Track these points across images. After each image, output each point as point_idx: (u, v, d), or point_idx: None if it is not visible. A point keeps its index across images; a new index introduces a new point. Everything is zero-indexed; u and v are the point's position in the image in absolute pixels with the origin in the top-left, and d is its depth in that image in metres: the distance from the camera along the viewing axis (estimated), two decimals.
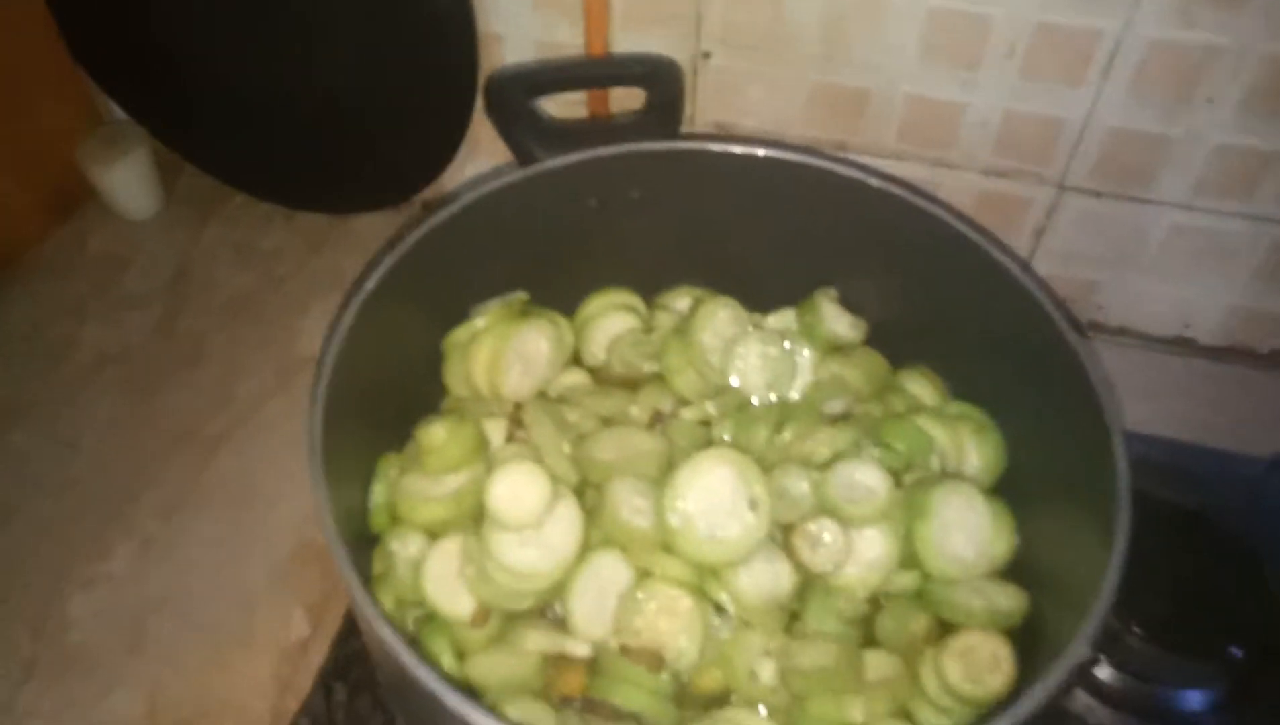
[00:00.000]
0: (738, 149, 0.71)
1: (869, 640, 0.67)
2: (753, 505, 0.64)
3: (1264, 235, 0.92)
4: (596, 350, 0.81)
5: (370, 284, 0.66)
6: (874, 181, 0.70)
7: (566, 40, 0.95)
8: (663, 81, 0.77)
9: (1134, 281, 0.99)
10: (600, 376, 0.80)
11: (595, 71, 0.81)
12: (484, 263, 0.72)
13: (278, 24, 0.96)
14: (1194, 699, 0.77)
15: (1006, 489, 0.72)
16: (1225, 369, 1.01)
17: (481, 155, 1.07)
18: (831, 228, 0.74)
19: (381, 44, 0.94)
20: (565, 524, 0.65)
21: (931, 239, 0.70)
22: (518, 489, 0.64)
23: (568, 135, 0.72)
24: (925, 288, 0.73)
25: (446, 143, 1.02)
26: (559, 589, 0.65)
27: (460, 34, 0.92)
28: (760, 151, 0.71)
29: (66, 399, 0.99)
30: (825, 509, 0.67)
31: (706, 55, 0.93)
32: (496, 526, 0.63)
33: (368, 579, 0.67)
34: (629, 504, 0.65)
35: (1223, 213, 0.91)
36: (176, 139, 1.15)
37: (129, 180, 1.14)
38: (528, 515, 0.63)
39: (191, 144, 1.15)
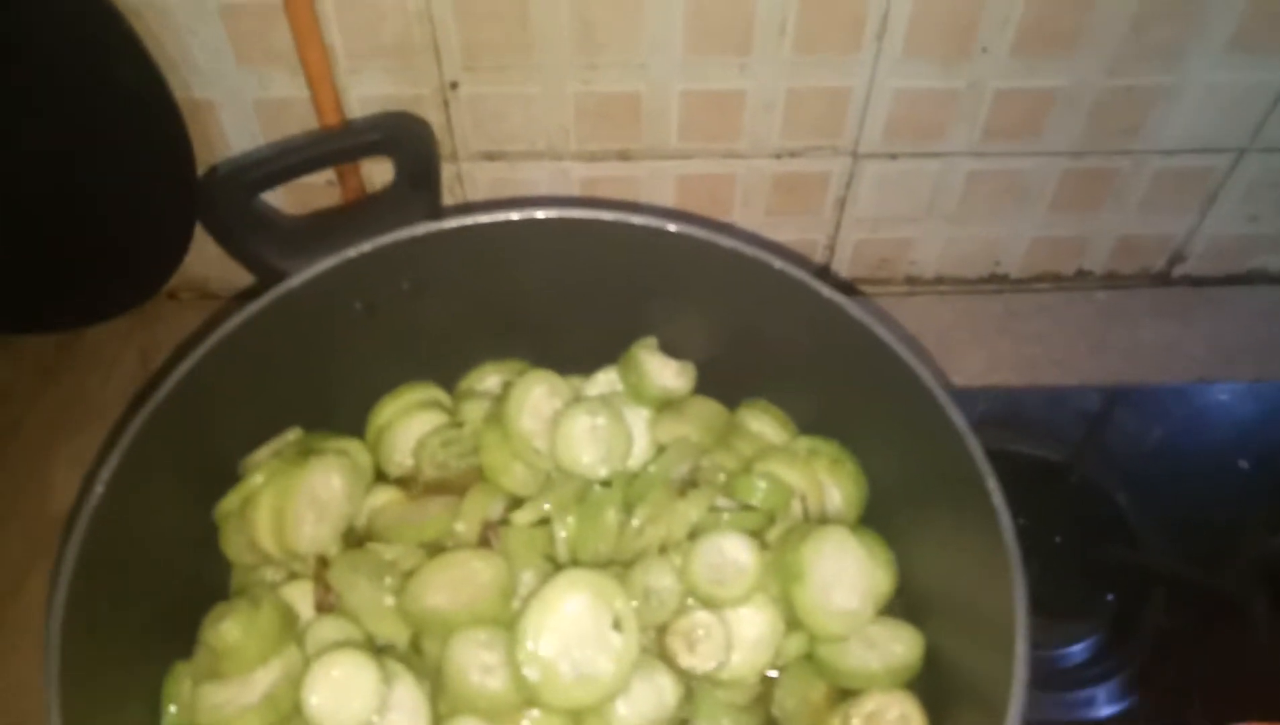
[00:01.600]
0: (515, 216, 0.62)
1: (767, 722, 0.62)
2: (617, 624, 0.57)
3: (1053, 168, 0.91)
4: (401, 458, 0.70)
5: (105, 473, 0.53)
6: (671, 227, 0.62)
7: (289, 93, 0.82)
8: (409, 145, 0.66)
9: (941, 231, 0.98)
10: (412, 487, 0.70)
11: (325, 149, 0.68)
12: (242, 407, 0.60)
13: None
14: (1076, 653, 0.76)
15: (873, 516, 0.68)
16: (1039, 298, 1.02)
17: None
18: (635, 276, 0.66)
19: (79, 134, 0.78)
20: (407, 711, 0.55)
21: (737, 274, 0.64)
22: (339, 690, 0.53)
23: (307, 235, 0.61)
24: (744, 321, 0.67)
25: (177, 231, 0.87)
26: None
27: (160, 107, 0.77)
28: (540, 214, 0.62)
29: None
30: (695, 598, 0.60)
31: (454, 85, 0.81)
32: None
33: None
34: (476, 664, 0.56)
35: (1014, 154, 0.90)
36: None
37: None
38: (358, 720, 0.53)
39: None
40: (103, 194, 0.84)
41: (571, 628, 0.56)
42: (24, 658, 0.79)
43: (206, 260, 0.96)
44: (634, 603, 0.59)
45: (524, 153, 0.87)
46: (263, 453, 0.63)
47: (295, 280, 0.58)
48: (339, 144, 0.68)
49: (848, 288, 1.00)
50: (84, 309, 0.96)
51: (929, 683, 0.60)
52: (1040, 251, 1.00)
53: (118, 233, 0.87)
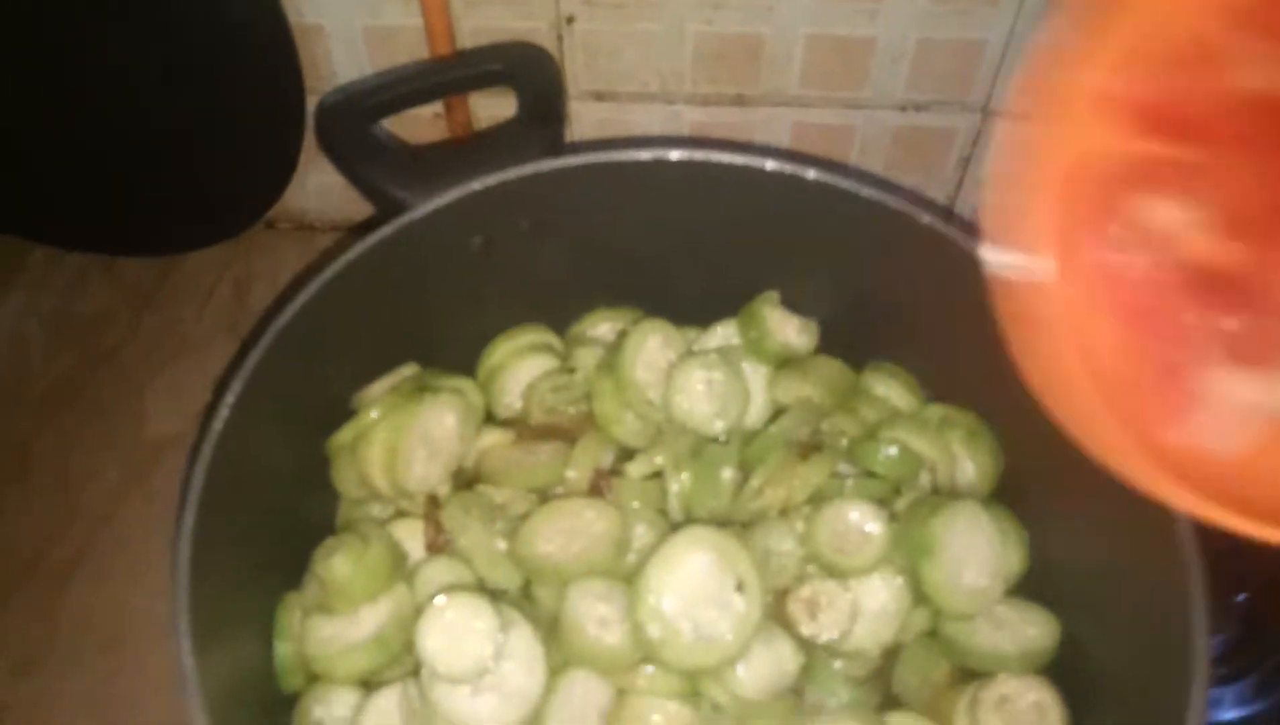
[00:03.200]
0: (645, 155, 0.58)
1: (887, 698, 0.59)
2: (740, 587, 0.54)
3: None
4: (511, 400, 0.68)
5: (230, 397, 0.52)
6: (810, 174, 0.58)
7: (399, 21, 0.79)
8: (532, 78, 0.63)
9: None
10: (521, 429, 0.68)
11: (445, 77, 0.66)
12: (357, 341, 0.58)
13: (57, 54, 0.78)
14: None
15: (1006, 490, 0.64)
16: None
17: (324, 160, 0.90)
18: (761, 225, 0.63)
19: (186, 60, 0.77)
20: (522, 658, 0.53)
21: (875, 226, 0.60)
22: (455, 632, 0.52)
23: (429, 166, 0.58)
24: (878, 277, 0.63)
25: (281, 159, 0.86)
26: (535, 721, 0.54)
27: (272, 33, 0.76)
28: (673, 155, 0.59)
29: None
30: (817, 565, 0.58)
31: (570, 20, 0.78)
32: (439, 680, 0.51)
33: None
34: (592, 616, 0.54)
35: None
36: None
37: None
38: (474, 663, 0.51)
39: None
40: (210, 117, 0.83)
41: (693, 587, 0.54)
42: (120, 580, 0.80)
43: (306, 191, 0.95)
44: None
45: (634, 94, 0.84)
46: (379, 387, 0.61)
47: (418, 211, 0.56)
48: (460, 72, 0.65)
49: None
50: (184, 235, 0.95)
51: (1067, 674, 0.57)
52: None
53: (223, 157, 0.86)
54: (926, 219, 0.58)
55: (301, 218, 0.99)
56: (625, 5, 0.77)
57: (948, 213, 0.58)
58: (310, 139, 0.83)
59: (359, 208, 0.96)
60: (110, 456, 0.86)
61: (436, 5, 0.75)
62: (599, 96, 0.84)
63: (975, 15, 0.76)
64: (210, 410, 0.50)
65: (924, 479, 0.63)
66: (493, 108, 0.81)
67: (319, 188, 0.94)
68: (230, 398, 0.50)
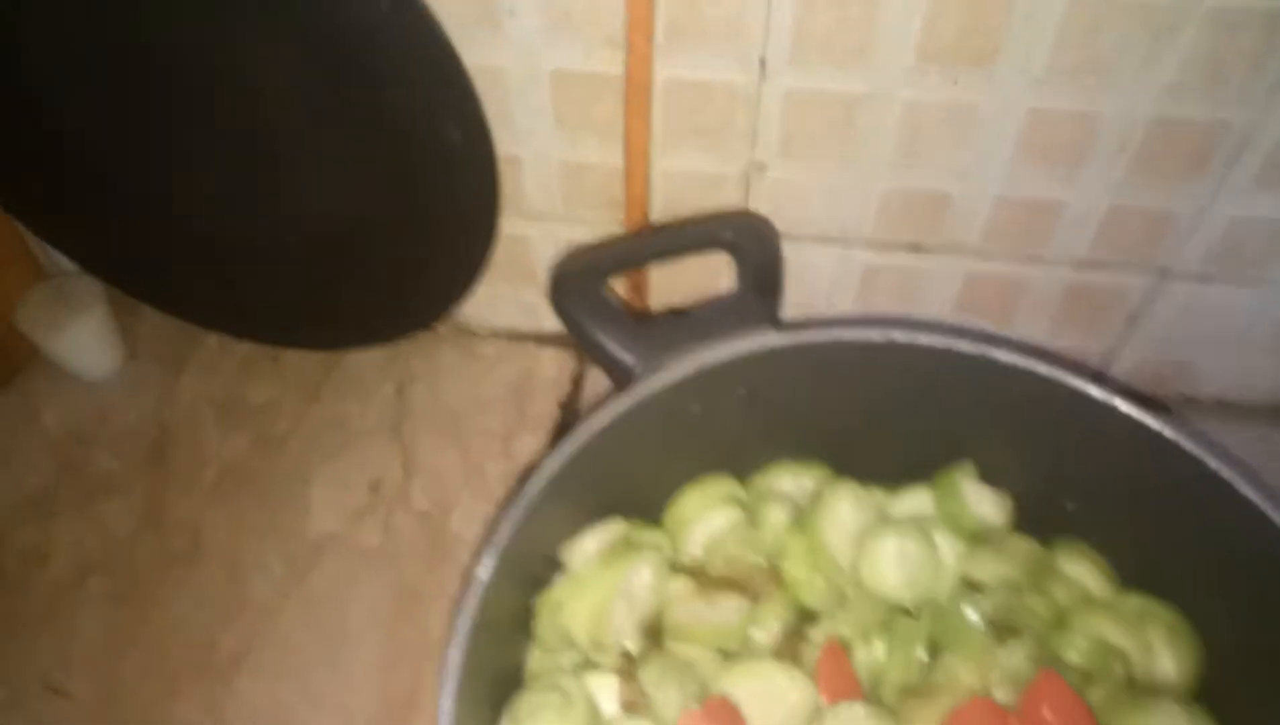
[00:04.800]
0: (875, 336, 0.60)
1: None
2: None
3: None
4: (695, 549, 0.69)
5: (487, 561, 0.54)
6: (1043, 369, 0.59)
7: (595, 160, 0.82)
8: (756, 246, 0.65)
9: (1233, 357, 0.91)
10: (700, 578, 0.68)
11: (674, 240, 0.68)
12: (574, 505, 0.60)
13: (252, 149, 0.82)
14: None
15: (1203, 688, 0.63)
16: None
17: (496, 274, 0.94)
18: (959, 400, 0.63)
19: (387, 172, 0.80)
20: None
21: (1073, 410, 0.60)
22: None
23: (656, 334, 0.60)
24: (1067, 458, 0.63)
25: (462, 274, 0.90)
26: None
27: (479, 161, 0.79)
28: (899, 337, 0.60)
29: (43, 625, 0.84)
30: None
31: (761, 167, 0.80)
32: None
33: None
34: None
35: None
36: (136, 284, 0.99)
37: (83, 339, 0.98)
38: None
39: (155, 287, 0.99)
40: (404, 227, 0.86)
41: None
42: (280, 678, 0.81)
43: (474, 300, 0.98)
44: None
45: (812, 236, 0.86)
46: (588, 544, 0.63)
47: (656, 382, 0.58)
48: (690, 236, 0.67)
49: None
50: (356, 333, 0.99)
51: None
52: None
53: (407, 269, 0.89)
54: (1125, 409, 0.58)
55: (463, 323, 1.02)
56: (820, 156, 0.79)
57: (1143, 399, 0.58)
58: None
59: (519, 317, 0.99)
60: (273, 546, 0.89)
61: (638, 147, 0.78)
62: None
63: (1175, 186, 0.76)
64: (470, 573, 0.52)
65: (1118, 669, 0.62)
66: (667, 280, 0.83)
67: (488, 298, 0.97)
68: (486, 567, 0.52)
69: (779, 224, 0.85)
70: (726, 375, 0.60)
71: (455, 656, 0.48)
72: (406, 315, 0.96)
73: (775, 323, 0.61)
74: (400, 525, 0.90)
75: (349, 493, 0.92)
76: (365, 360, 1.02)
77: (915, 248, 0.85)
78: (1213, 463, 0.59)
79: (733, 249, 0.64)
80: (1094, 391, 0.60)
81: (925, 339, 0.60)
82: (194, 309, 1.01)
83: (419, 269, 0.90)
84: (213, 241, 0.91)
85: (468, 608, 0.50)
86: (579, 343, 0.60)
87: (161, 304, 1.01)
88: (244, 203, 0.87)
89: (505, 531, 0.52)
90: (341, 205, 0.85)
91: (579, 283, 0.62)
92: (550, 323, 0.98)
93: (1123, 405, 0.61)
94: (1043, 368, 0.59)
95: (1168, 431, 0.60)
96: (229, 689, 0.81)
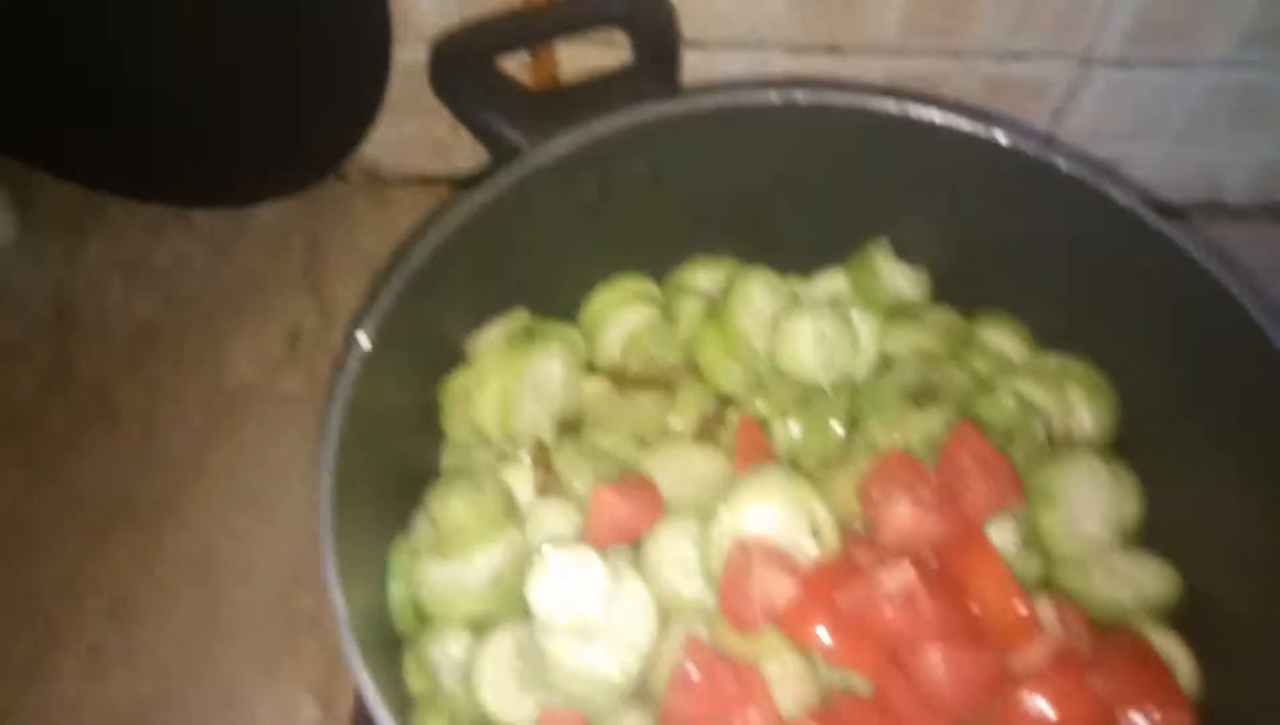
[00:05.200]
0: (776, 98, 0.57)
1: None
2: (815, 532, 0.54)
3: None
4: (610, 349, 0.67)
5: (358, 341, 0.51)
6: (938, 119, 0.56)
7: None
8: (650, 19, 0.61)
9: (1160, 150, 0.90)
10: (618, 378, 0.67)
11: (563, 18, 0.64)
12: (468, 284, 0.57)
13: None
14: None
15: (1122, 441, 0.63)
16: (1260, 230, 0.94)
17: (401, 111, 0.90)
18: (873, 169, 0.61)
19: (271, 5, 0.75)
20: (635, 605, 0.53)
21: (1004, 171, 0.58)
22: (567, 583, 0.51)
23: (547, 110, 0.57)
24: (993, 224, 0.62)
25: (363, 109, 0.86)
26: (646, 671, 0.54)
27: None
28: (801, 98, 0.57)
29: None
30: None
31: None
32: (550, 631, 0.51)
33: (402, 701, 0.54)
34: (675, 561, 0.54)
35: (1269, 66, 0.81)
36: (27, 147, 0.93)
37: None
38: (586, 613, 0.51)
39: (48, 150, 0.94)
40: (293, 65, 0.81)
41: (768, 531, 0.53)
42: (207, 525, 0.80)
43: (379, 144, 0.94)
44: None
45: (724, 41, 0.82)
46: (491, 333, 0.61)
47: (541, 155, 0.55)
48: (580, 11, 0.63)
49: None
50: (259, 187, 0.95)
51: (1195, 629, 0.56)
52: (1271, 178, 0.92)
53: (303, 110, 0.85)
54: (1066, 167, 0.56)
55: (375, 169, 0.98)
56: None
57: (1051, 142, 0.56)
58: (392, 90, 0.83)
59: (431, 161, 0.95)
60: (194, 402, 0.86)
61: None
62: (689, 45, 0.82)
63: None
64: (344, 349, 0.49)
65: (1039, 429, 0.61)
66: (579, 59, 0.80)
67: (392, 140, 0.93)
68: (365, 337, 0.49)
69: (689, 29, 0.81)
70: (622, 148, 0.57)
71: (331, 441, 0.46)
72: (309, 161, 0.92)
73: (672, 92, 0.58)
74: (321, 371, 0.87)
75: (266, 344, 0.90)
76: (276, 215, 0.97)
77: (833, 49, 0.82)
78: (1149, 217, 0.56)
79: (625, 22, 0.61)
80: (1028, 147, 0.58)
81: (834, 98, 0.57)
82: (91, 173, 0.96)
83: (315, 108, 0.86)
84: (106, 101, 0.86)
85: (344, 384, 0.47)
86: (464, 122, 0.57)
87: (55, 168, 0.95)
88: (134, 52, 0.82)
89: (385, 300, 0.50)
90: (228, 50, 0.81)
91: (460, 58, 0.59)
92: (464, 162, 0.94)
93: (1064, 163, 0.58)
94: (965, 123, 0.57)
95: (1100, 183, 0.58)
96: (155, 539, 0.79)
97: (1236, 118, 0.86)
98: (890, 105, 0.57)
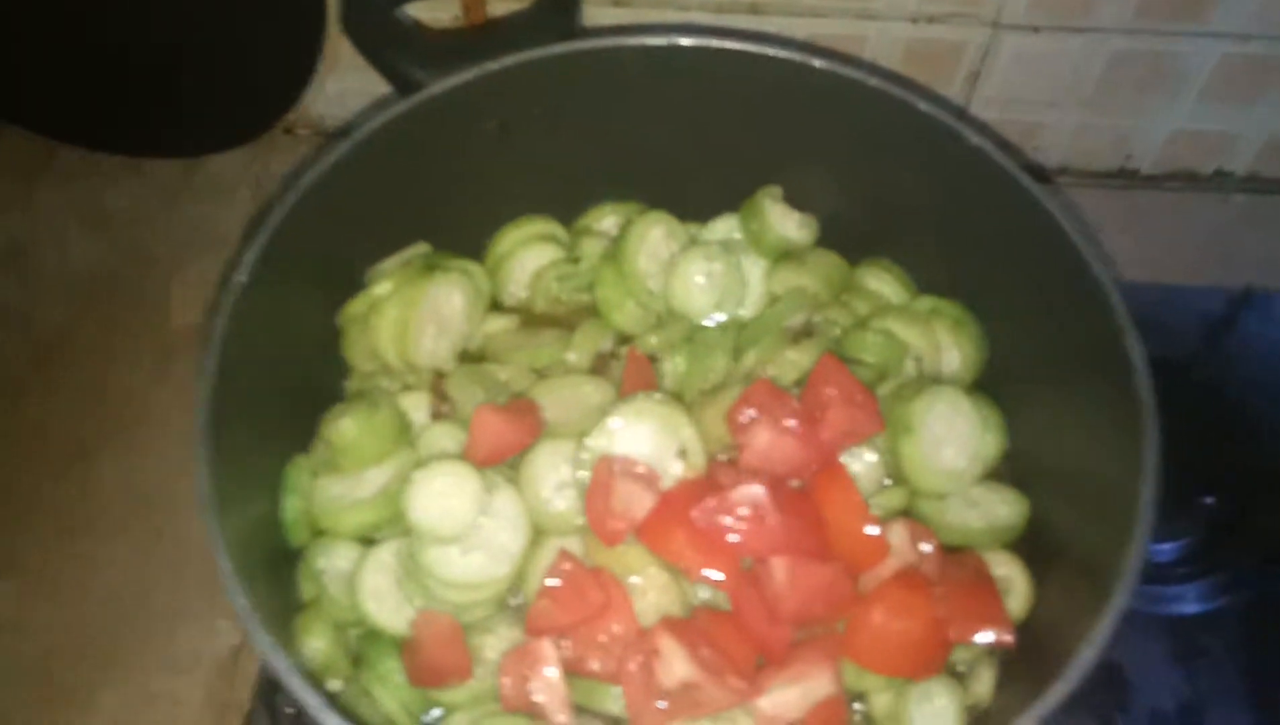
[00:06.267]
0: (656, 41, 0.60)
1: None
2: (683, 453, 0.58)
3: (1212, 52, 0.85)
4: (517, 289, 0.71)
5: (247, 260, 0.55)
6: (816, 63, 0.60)
7: None
8: None
9: (1073, 117, 0.93)
10: (525, 317, 0.71)
11: None
12: (372, 216, 0.61)
13: None
14: (1165, 551, 0.74)
15: (987, 381, 0.66)
16: (1170, 197, 0.97)
17: (343, 66, 0.93)
18: (767, 118, 0.65)
19: None
20: (508, 517, 0.56)
21: (884, 121, 0.61)
22: (443, 496, 0.55)
23: (448, 49, 0.60)
24: (878, 174, 0.65)
25: (302, 61, 0.89)
26: (518, 580, 0.58)
27: None
28: (684, 41, 0.60)
29: None
30: None
31: None
32: (427, 541, 0.55)
33: (294, 606, 0.58)
34: (552, 481, 0.58)
35: (1169, 33, 0.84)
36: None
37: None
38: (460, 524, 0.55)
39: (2, 97, 0.97)
40: (231, 16, 0.84)
41: (639, 452, 0.57)
42: (150, 456, 0.84)
43: (325, 98, 0.97)
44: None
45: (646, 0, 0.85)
46: (390, 262, 0.64)
47: (436, 87, 0.58)
48: None
49: None
50: (207, 137, 0.98)
51: (1032, 549, 0.60)
52: (1178, 147, 0.95)
53: (244, 57, 0.88)
54: (924, 107, 0.59)
55: (320, 124, 1.01)
56: None
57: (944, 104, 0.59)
58: (331, 41, 0.86)
59: (371, 113, 0.98)
60: (145, 344, 0.90)
61: None
62: (614, 1, 0.85)
63: None
64: (227, 277, 0.53)
65: (910, 367, 0.65)
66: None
67: (338, 94, 0.96)
68: (249, 259, 0.53)
69: None
70: (517, 86, 0.60)
71: (210, 369, 0.49)
72: (255, 113, 0.95)
73: (570, 36, 0.62)
74: None
75: (210, 291, 0.93)
76: (225, 164, 1.01)
77: (754, 9, 0.85)
78: (997, 156, 0.60)
79: None
80: (891, 89, 0.61)
81: (714, 43, 0.60)
82: (44, 121, 0.99)
83: (258, 61, 0.89)
84: (60, 50, 0.89)
85: (222, 314, 0.51)
86: (372, 63, 0.61)
87: (12, 115, 0.99)
88: (88, 4, 0.85)
89: (270, 225, 0.53)
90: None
91: (367, 6, 0.62)
92: None
93: (930, 109, 0.61)
94: (829, 65, 0.60)
95: (953, 123, 0.61)
96: (91, 473, 0.83)
97: (1144, 86, 0.89)
98: (770, 50, 0.60)
